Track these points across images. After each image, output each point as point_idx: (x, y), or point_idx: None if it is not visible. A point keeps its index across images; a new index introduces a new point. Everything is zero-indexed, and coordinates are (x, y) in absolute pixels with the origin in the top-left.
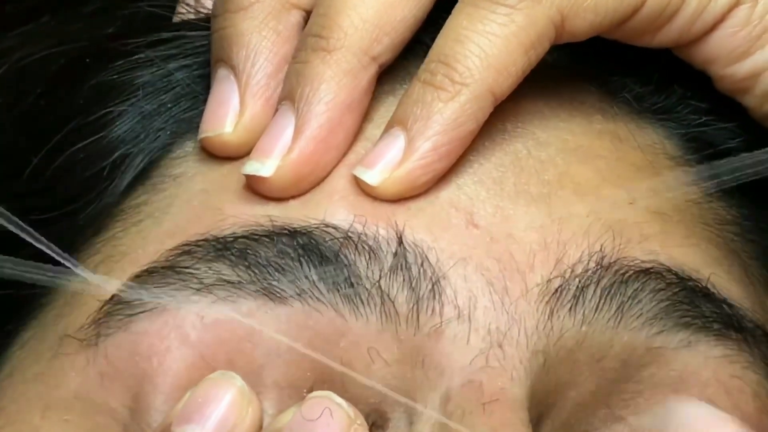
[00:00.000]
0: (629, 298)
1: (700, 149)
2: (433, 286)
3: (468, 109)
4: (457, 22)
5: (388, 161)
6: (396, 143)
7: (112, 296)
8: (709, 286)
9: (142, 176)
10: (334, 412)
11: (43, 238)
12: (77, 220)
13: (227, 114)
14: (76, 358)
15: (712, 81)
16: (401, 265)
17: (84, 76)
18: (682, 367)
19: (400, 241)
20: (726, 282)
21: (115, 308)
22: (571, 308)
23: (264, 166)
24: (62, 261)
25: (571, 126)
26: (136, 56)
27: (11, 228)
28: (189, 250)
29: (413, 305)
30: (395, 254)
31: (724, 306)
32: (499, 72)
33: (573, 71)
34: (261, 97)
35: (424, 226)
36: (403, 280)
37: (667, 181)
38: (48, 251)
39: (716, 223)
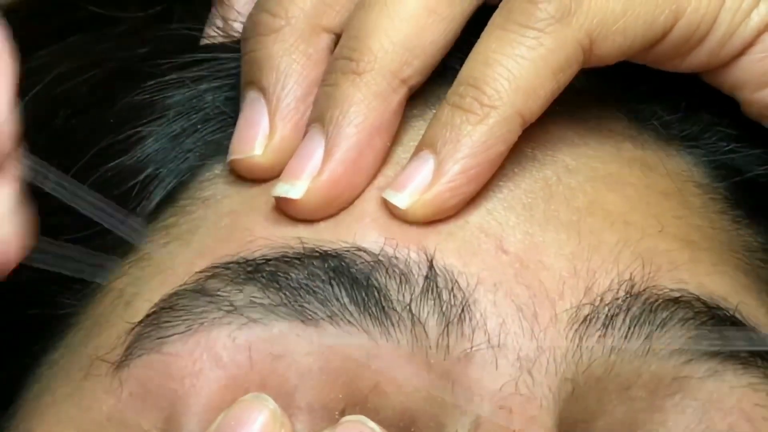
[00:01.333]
0: (658, 327)
1: (729, 176)
2: (462, 310)
3: (497, 132)
4: (486, 45)
5: (417, 184)
6: (425, 166)
7: (143, 318)
8: (737, 314)
9: (171, 198)
10: None
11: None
12: (106, 241)
13: (257, 136)
14: (108, 380)
15: (740, 106)
16: (432, 289)
17: (114, 96)
18: (707, 396)
19: (431, 265)
20: (754, 309)
21: (146, 330)
22: (600, 336)
23: (294, 188)
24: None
25: (600, 153)
26: (167, 77)
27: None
28: (218, 273)
29: (443, 329)
30: (426, 278)
31: (752, 334)
32: (527, 95)
33: (602, 98)
34: (291, 120)
35: (454, 250)
36: (434, 304)
37: (696, 208)
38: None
39: (744, 250)
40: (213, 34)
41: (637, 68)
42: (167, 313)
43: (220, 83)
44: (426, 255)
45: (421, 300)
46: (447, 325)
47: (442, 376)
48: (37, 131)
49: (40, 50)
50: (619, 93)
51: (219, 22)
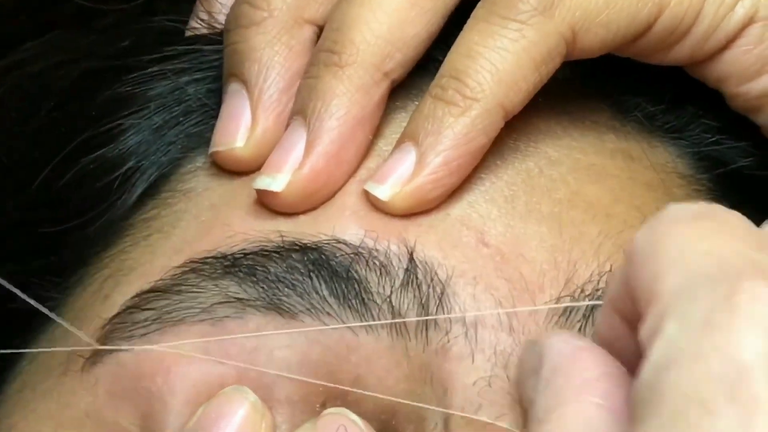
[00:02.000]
0: None
1: (712, 168)
2: (441, 303)
3: (479, 124)
4: (468, 37)
5: (398, 176)
6: (407, 158)
7: (116, 314)
8: None
9: (153, 190)
10: (348, 428)
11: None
12: (87, 233)
13: (239, 128)
14: (85, 376)
15: (725, 99)
16: (411, 282)
17: (96, 89)
18: None
19: (411, 258)
20: None
21: (118, 326)
22: (580, 329)
23: (275, 180)
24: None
25: (583, 145)
26: (149, 70)
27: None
28: (195, 267)
29: (422, 321)
30: (406, 270)
31: None
32: (509, 87)
33: (585, 89)
34: (273, 112)
35: (435, 243)
36: (414, 296)
37: (679, 199)
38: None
39: None
40: (197, 26)
41: (621, 60)
42: (139, 311)
43: (202, 75)
44: (406, 247)
45: (401, 292)
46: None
47: (421, 368)
48: (21, 124)
49: (25, 43)
50: (603, 85)
51: (203, 15)
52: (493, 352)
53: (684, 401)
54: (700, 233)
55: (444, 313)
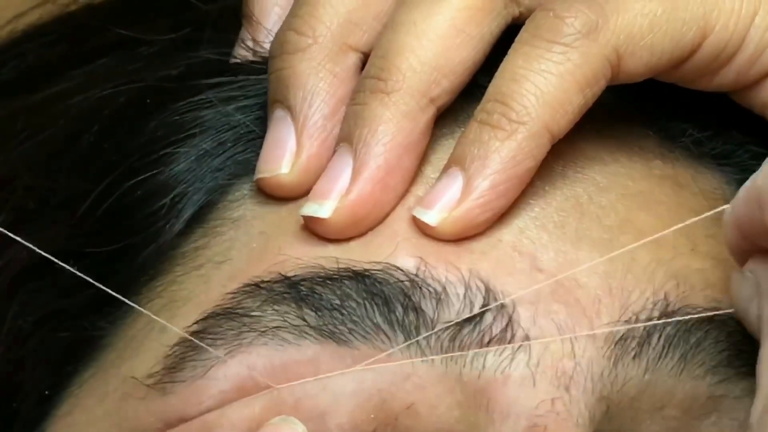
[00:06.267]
0: (692, 346)
1: None
2: (502, 329)
3: (525, 147)
4: (513, 61)
5: (446, 201)
6: (454, 183)
7: (179, 341)
8: None
9: (201, 218)
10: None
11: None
12: (136, 260)
13: (284, 155)
14: (147, 403)
15: None
16: (468, 309)
17: (144, 117)
18: (744, 416)
19: (467, 285)
20: None
21: (185, 353)
22: (635, 356)
23: (322, 207)
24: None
25: (630, 171)
26: (197, 98)
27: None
28: (252, 291)
29: (481, 347)
30: (461, 297)
31: None
32: (555, 109)
33: (631, 115)
34: (317, 138)
35: (489, 269)
36: (471, 323)
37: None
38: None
39: None
40: (243, 53)
41: (666, 86)
42: (203, 337)
43: (249, 102)
44: (461, 274)
45: (456, 319)
46: (486, 344)
47: (476, 394)
48: (69, 151)
49: (71, 72)
50: (649, 111)
51: (249, 42)
52: (555, 375)
53: None
54: None
55: (505, 340)
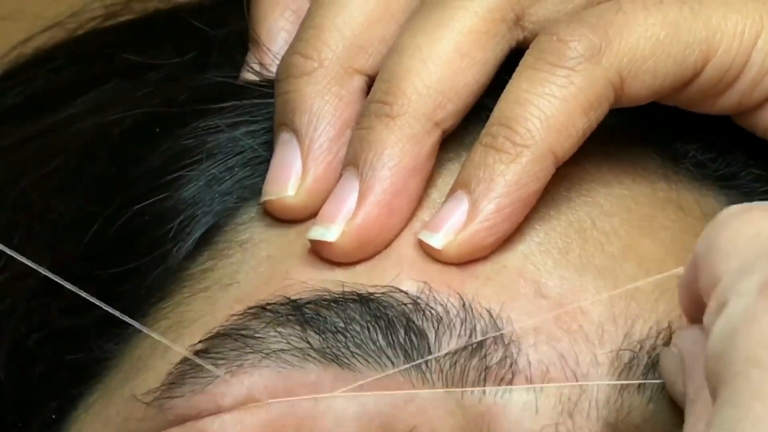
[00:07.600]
0: None
1: None
2: (503, 355)
3: (530, 170)
4: (517, 85)
5: (452, 224)
6: (459, 206)
7: (181, 360)
8: None
9: (208, 241)
10: None
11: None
12: (144, 283)
13: (289, 177)
14: (149, 423)
15: None
16: (471, 334)
17: (152, 141)
18: None
19: (470, 309)
20: None
21: (187, 371)
22: (640, 384)
23: (329, 231)
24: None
25: (635, 194)
26: (205, 123)
27: (81, 293)
28: (257, 313)
29: (481, 373)
30: (464, 322)
31: None
32: (559, 132)
33: (634, 138)
34: (323, 161)
35: (493, 294)
36: (473, 348)
37: None
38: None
39: None
40: (250, 77)
41: (668, 109)
42: (206, 357)
43: (257, 127)
44: (464, 299)
45: (459, 344)
46: (485, 369)
47: (477, 418)
48: (76, 176)
49: (79, 97)
50: (652, 133)
51: (255, 66)
52: (559, 401)
53: (745, 364)
54: (749, 220)
55: (506, 366)
